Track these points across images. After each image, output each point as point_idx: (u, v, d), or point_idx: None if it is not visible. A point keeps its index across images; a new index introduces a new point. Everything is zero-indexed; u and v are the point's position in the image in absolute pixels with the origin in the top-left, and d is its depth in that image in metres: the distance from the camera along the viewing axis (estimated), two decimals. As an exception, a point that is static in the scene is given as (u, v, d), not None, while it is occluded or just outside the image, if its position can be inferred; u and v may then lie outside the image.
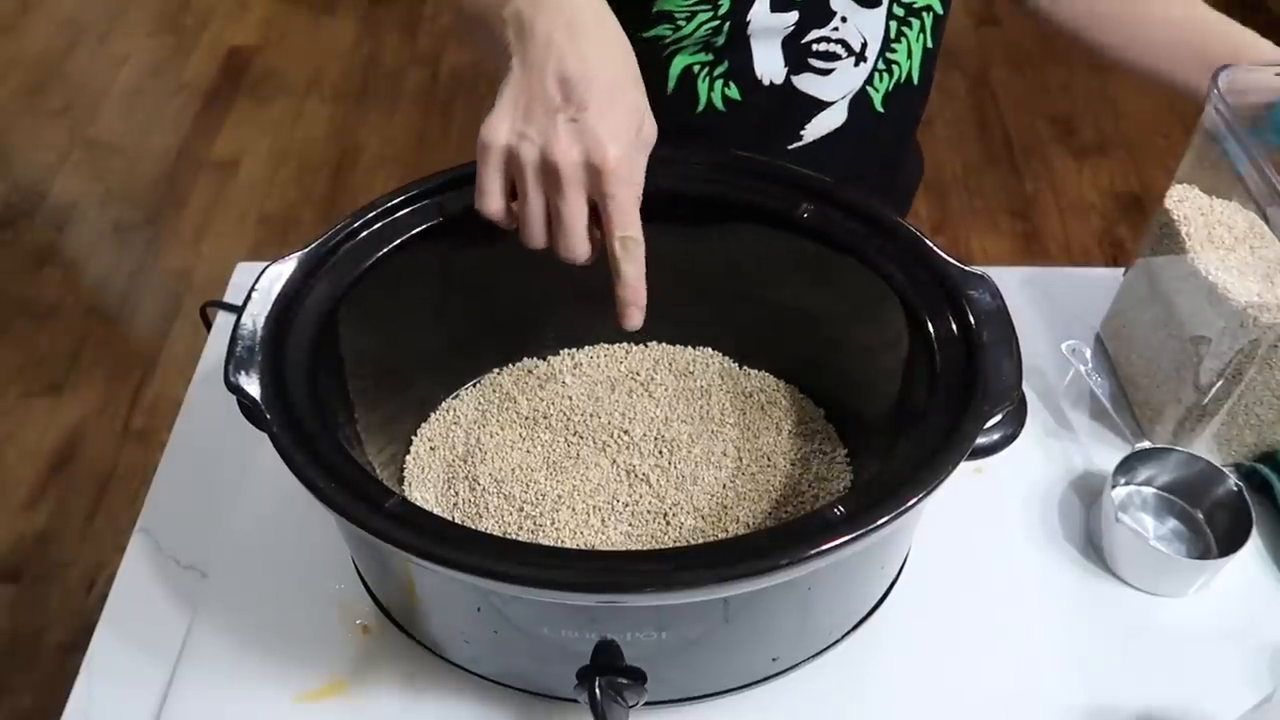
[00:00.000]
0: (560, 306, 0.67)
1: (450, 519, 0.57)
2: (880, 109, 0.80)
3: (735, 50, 0.74)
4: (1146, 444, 0.71)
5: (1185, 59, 0.75)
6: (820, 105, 0.78)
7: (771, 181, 0.61)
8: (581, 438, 0.65)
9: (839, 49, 0.75)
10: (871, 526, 0.44)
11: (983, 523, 0.67)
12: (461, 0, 0.58)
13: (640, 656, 0.51)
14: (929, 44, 0.79)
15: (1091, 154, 2.11)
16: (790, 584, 0.46)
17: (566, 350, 0.70)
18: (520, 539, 0.59)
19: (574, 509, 0.61)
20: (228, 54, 2.38)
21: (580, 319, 0.69)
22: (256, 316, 0.53)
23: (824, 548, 0.44)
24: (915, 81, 0.81)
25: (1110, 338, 0.77)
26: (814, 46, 0.74)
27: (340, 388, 0.56)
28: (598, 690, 0.50)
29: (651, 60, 0.74)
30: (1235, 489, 0.65)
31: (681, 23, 0.71)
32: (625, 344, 0.71)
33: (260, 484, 0.68)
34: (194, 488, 0.70)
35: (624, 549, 0.59)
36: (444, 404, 0.67)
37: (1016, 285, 0.83)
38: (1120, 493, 0.68)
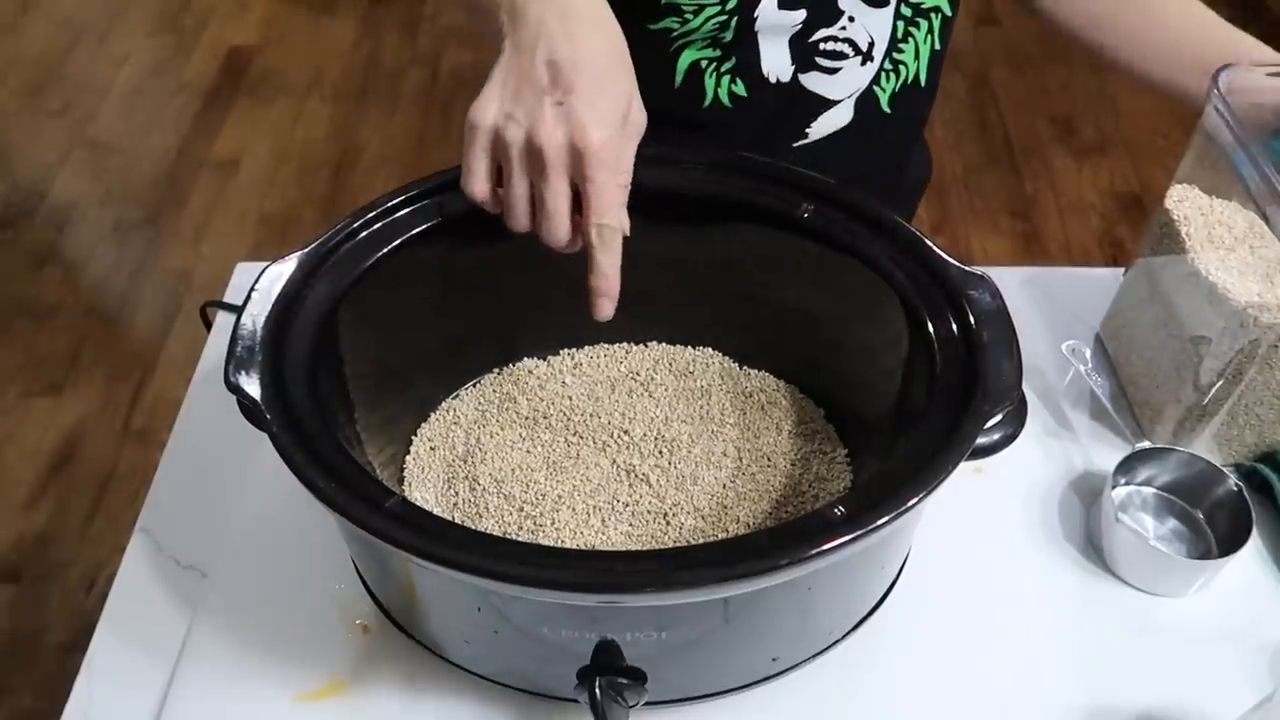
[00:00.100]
0: (560, 306, 0.67)
1: (450, 519, 0.57)
2: (887, 109, 0.80)
3: (743, 47, 0.74)
4: (1146, 444, 0.71)
5: (1184, 63, 0.75)
6: (827, 104, 0.78)
7: (772, 182, 0.61)
8: (581, 438, 0.65)
9: (846, 48, 0.75)
10: (871, 526, 0.44)
11: (983, 523, 0.67)
12: None
13: (640, 656, 0.51)
14: (937, 45, 0.79)
15: (1091, 154, 2.11)
16: (790, 584, 0.46)
17: (566, 350, 0.70)
18: (520, 539, 0.59)
19: (574, 509, 0.61)
20: (228, 54, 2.38)
21: (580, 319, 0.68)
22: (256, 316, 0.53)
23: (824, 548, 0.44)
24: (923, 83, 0.81)
25: (1110, 338, 0.77)
26: (821, 45, 0.74)
27: (340, 388, 0.56)
28: (598, 690, 0.50)
29: (659, 53, 0.75)
30: (1235, 489, 0.65)
31: (689, 16, 0.71)
32: (625, 344, 0.71)
33: (260, 484, 0.68)
34: (194, 488, 0.70)
35: (624, 549, 0.59)
36: (444, 404, 0.67)
37: (1016, 285, 0.83)
38: (1120, 493, 0.68)
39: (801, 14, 0.73)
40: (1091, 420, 0.74)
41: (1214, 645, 0.62)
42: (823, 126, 0.79)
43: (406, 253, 0.59)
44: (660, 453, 0.64)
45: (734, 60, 0.75)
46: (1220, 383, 0.65)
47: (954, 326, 0.53)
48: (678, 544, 0.59)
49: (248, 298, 0.53)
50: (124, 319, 1.81)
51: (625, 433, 0.65)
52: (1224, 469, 0.66)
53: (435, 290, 0.63)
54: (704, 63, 0.75)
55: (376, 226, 0.59)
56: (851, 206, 0.59)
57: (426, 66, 2.35)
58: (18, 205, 2.01)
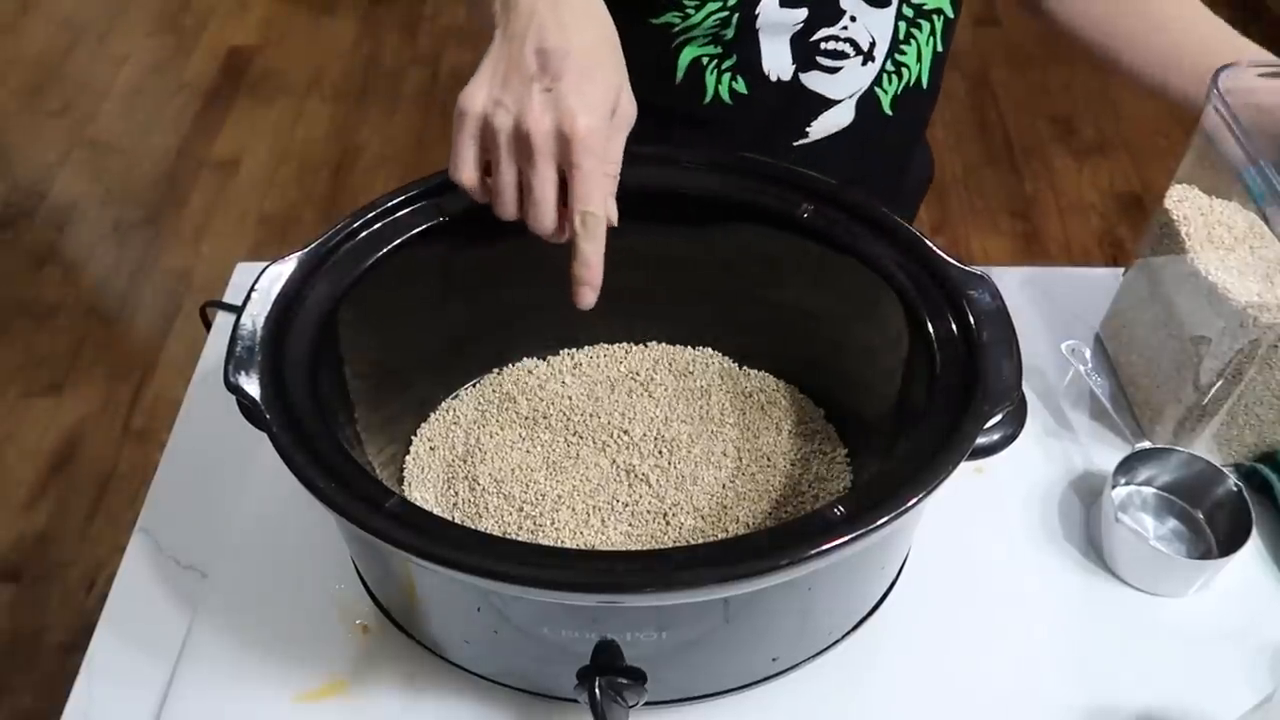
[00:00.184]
0: (560, 306, 0.67)
1: (450, 519, 0.57)
2: (889, 111, 0.80)
3: (744, 44, 0.74)
4: (1146, 444, 0.71)
5: (1183, 68, 0.74)
6: (827, 103, 0.78)
7: (772, 182, 0.61)
8: (581, 438, 0.65)
9: (847, 48, 0.75)
10: (871, 526, 0.44)
11: (983, 523, 0.67)
12: None
13: (640, 656, 0.51)
14: (939, 47, 0.79)
15: (1091, 154, 2.11)
16: (790, 584, 0.46)
17: (566, 350, 0.70)
18: (520, 539, 0.59)
19: (574, 509, 0.61)
20: (228, 54, 2.38)
21: (580, 319, 0.69)
22: (256, 316, 0.53)
23: (824, 548, 0.44)
24: (925, 85, 0.81)
25: (1110, 338, 0.77)
26: (822, 45, 0.75)
27: (340, 388, 0.56)
28: (598, 690, 0.50)
29: (661, 49, 0.75)
30: (1235, 489, 0.65)
31: (690, 11, 0.71)
32: (625, 344, 0.71)
33: (260, 484, 0.68)
34: (194, 488, 0.70)
35: (624, 549, 0.59)
36: (444, 404, 0.67)
37: (1016, 285, 0.83)
38: (1120, 493, 0.68)
39: (803, 13, 0.73)
40: (1091, 420, 0.74)
41: (1214, 645, 0.62)
42: (823, 126, 0.79)
43: (406, 253, 0.59)
44: (660, 453, 0.64)
45: (735, 58, 0.75)
46: (1220, 383, 0.65)
47: (954, 326, 0.53)
48: (678, 544, 0.59)
49: (248, 298, 0.53)
50: (124, 319, 1.81)
51: (625, 433, 0.65)
52: (1224, 469, 0.66)
53: (435, 290, 0.63)
54: (705, 59, 0.75)
55: (376, 226, 0.59)
56: (852, 207, 0.59)
57: (426, 66, 2.35)
58: (18, 205, 2.01)
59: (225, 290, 0.81)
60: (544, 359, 0.70)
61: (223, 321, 0.79)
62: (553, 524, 0.60)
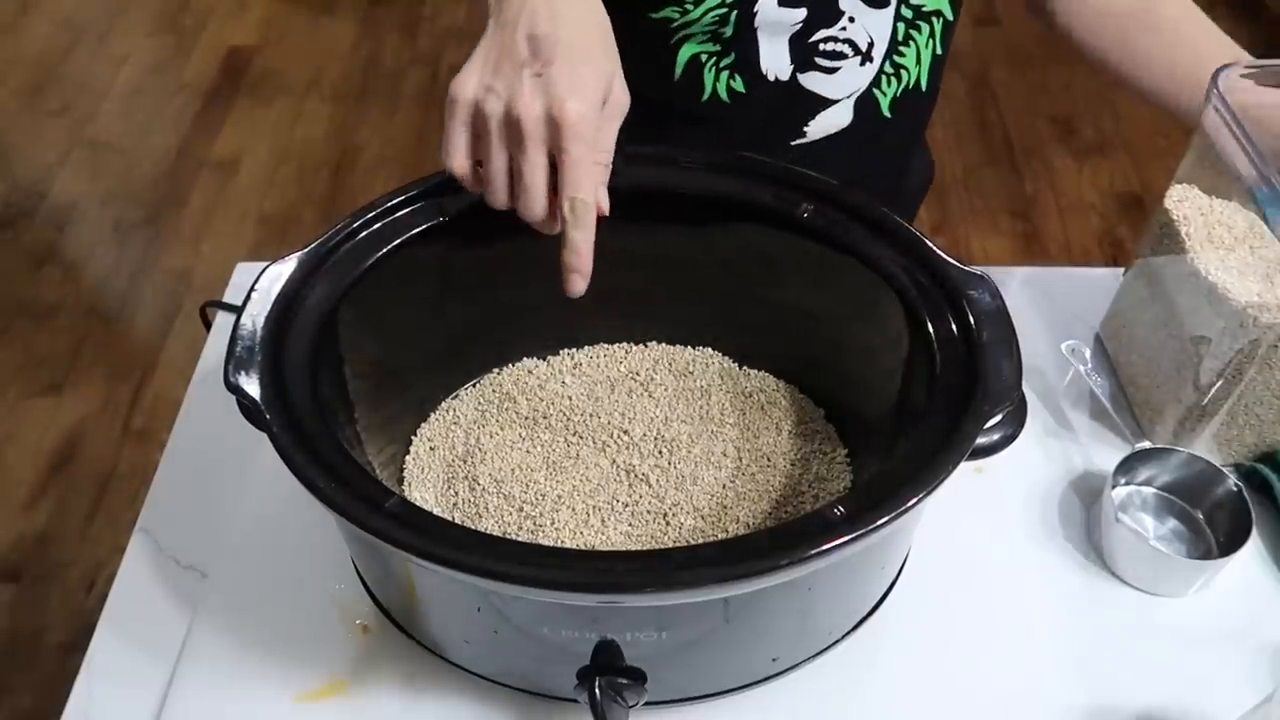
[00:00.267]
0: (560, 306, 0.67)
1: (450, 519, 0.57)
2: (887, 114, 0.80)
3: (742, 42, 0.74)
4: (1146, 444, 0.71)
5: (1187, 82, 0.74)
6: (825, 103, 0.78)
7: (772, 181, 0.61)
8: (581, 438, 0.65)
9: (846, 49, 0.75)
10: (871, 526, 0.44)
11: (983, 523, 0.67)
12: None
13: (640, 656, 0.51)
14: (938, 50, 0.79)
15: (1091, 154, 2.11)
16: (790, 584, 0.46)
17: (566, 350, 0.70)
18: (520, 539, 0.59)
19: (574, 509, 0.61)
20: (228, 54, 2.38)
21: (580, 319, 0.69)
22: (256, 316, 0.53)
23: (824, 548, 0.44)
24: (924, 88, 0.81)
25: (1110, 338, 0.77)
26: (821, 46, 0.75)
27: (340, 388, 0.56)
28: (598, 690, 0.50)
29: (660, 44, 0.75)
30: (1235, 489, 0.65)
31: (689, 7, 0.71)
32: (625, 344, 0.71)
33: (260, 484, 0.68)
34: (194, 488, 0.70)
35: (624, 549, 0.59)
36: (444, 404, 0.67)
37: (1016, 285, 0.83)
38: (1120, 493, 0.68)
39: (802, 13, 0.73)
40: (1091, 420, 0.74)
41: (1214, 645, 0.62)
42: (821, 126, 0.79)
43: (406, 253, 0.59)
44: (660, 453, 0.64)
45: (733, 56, 0.75)
46: (1220, 383, 0.65)
47: (954, 326, 0.53)
48: (678, 544, 0.59)
49: (248, 298, 0.53)
50: (124, 319, 1.81)
51: (625, 433, 0.65)
52: (1224, 469, 0.66)
53: (435, 290, 0.63)
54: (704, 56, 0.75)
55: (376, 226, 0.59)
56: (852, 207, 0.59)
57: (426, 66, 2.35)
58: (18, 205, 2.01)
59: (225, 290, 0.81)
60: (544, 359, 0.70)
61: (223, 321, 0.79)
62: (553, 524, 0.60)
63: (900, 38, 0.76)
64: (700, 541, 0.54)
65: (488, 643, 0.53)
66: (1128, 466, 0.67)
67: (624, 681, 0.51)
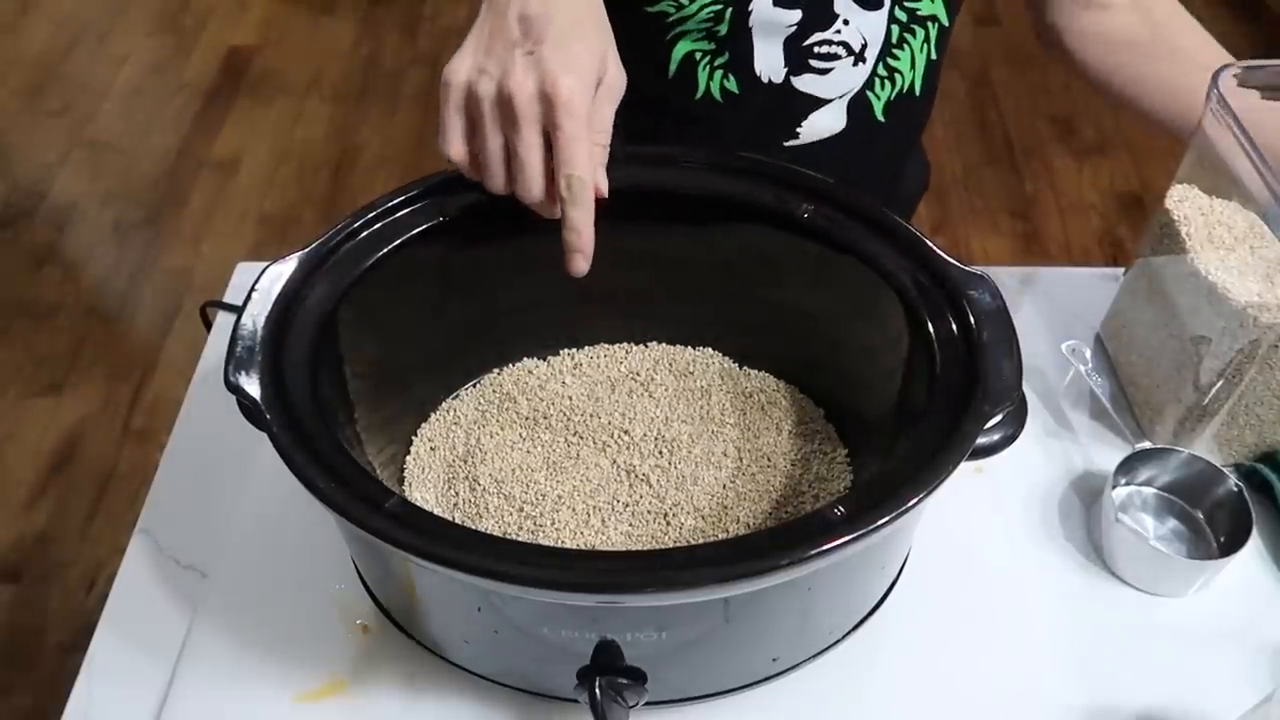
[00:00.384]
0: (560, 306, 0.67)
1: (450, 519, 0.57)
2: (881, 118, 0.80)
3: (737, 42, 0.74)
4: (1146, 444, 0.71)
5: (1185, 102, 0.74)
6: (817, 103, 0.78)
7: (772, 181, 0.61)
8: (581, 438, 0.65)
9: (839, 50, 0.75)
10: (872, 526, 0.44)
11: (983, 523, 0.67)
12: None
13: (640, 656, 0.51)
14: (933, 55, 0.79)
15: (1091, 154, 2.11)
16: (790, 584, 0.46)
17: (566, 350, 0.70)
18: (520, 539, 0.59)
19: (574, 509, 0.61)
20: (228, 54, 2.38)
21: (580, 319, 0.69)
22: (256, 316, 0.53)
23: (824, 548, 0.44)
24: (918, 93, 0.81)
25: (1110, 338, 0.77)
26: (815, 49, 0.75)
27: (340, 388, 0.56)
28: (598, 690, 0.50)
29: (656, 40, 0.75)
30: (1235, 489, 0.65)
31: (685, 1, 0.71)
32: (625, 344, 0.71)
33: (260, 484, 0.68)
34: (194, 488, 0.70)
35: (624, 549, 0.59)
36: (444, 404, 0.67)
37: (1016, 285, 0.83)
38: (1120, 493, 0.68)
39: (796, 14, 0.73)
40: (1091, 420, 0.74)
41: (1214, 645, 0.62)
42: (814, 127, 0.79)
43: (406, 253, 0.59)
44: (660, 453, 0.64)
45: (727, 55, 0.75)
46: (1220, 383, 0.65)
47: (954, 326, 0.53)
48: (678, 544, 0.59)
49: (248, 298, 0.53)
50: (124, 319, 1.81)
51: (625, 433, 0.65)
52: (1224, 469, 0.66)
53: (435, 290, 0.63)
54: (698, 55, 0.75)
55: (376, 226, 0.59)
56: (852, 207, 0.59)
57: (426, 66, 2.35)
58: (18, 205, 2.01)
59: (225, 290, 0.81)
60: (544, 359, 0.70)
61: (223, 321, 0.79)
62: (553, 524, 0.60)
63: (894, 40, 0.76)
64: (700, 541, 0.54)
65: (488, 643, 0.53)
66: (1128, 466, 0.67)
67: (624, 681, 0.51)
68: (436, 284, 0.63)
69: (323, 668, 0.59)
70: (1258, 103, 0.65)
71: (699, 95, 0.77)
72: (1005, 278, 0.83)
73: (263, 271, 0.54)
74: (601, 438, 0.64)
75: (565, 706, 0.56)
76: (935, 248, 0.56)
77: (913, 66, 0.78)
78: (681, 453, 0.64)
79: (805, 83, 0.76)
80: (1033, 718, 0.59)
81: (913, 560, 0.59)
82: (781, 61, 0.75)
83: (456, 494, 0.62)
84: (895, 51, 0.77)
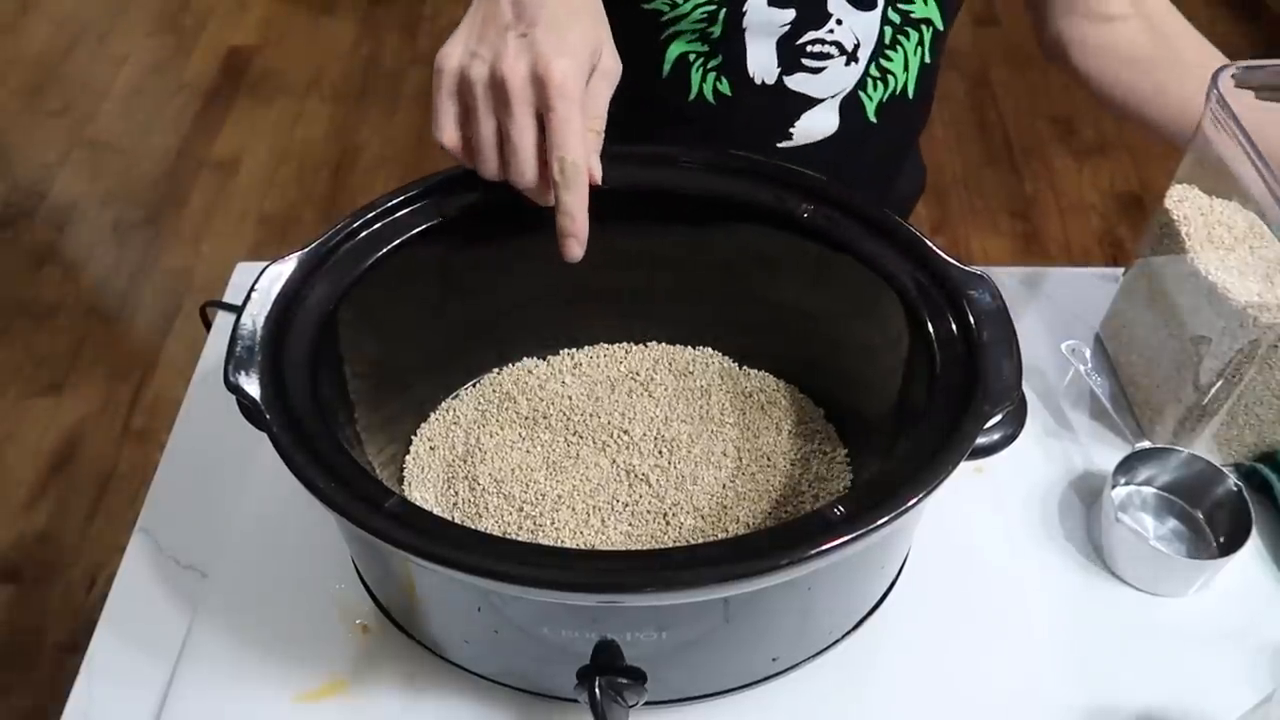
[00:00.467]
0: (560, 306, 0.67)
1: (450, 519, 0.57)
2: (873, 119, 0.80)
3: (730, 44, 0.74)
4: (1146, 444, 0.71)
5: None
6: (810, 102, 0.78)
7: (772, 181, 0.61)
8: (581, 438, 0.65)
9: (832, 49, 0.75)
10: (871, 526, 0.44)
11: (983, 523, 0.67)
12: None
13: (640, 656, 0.51)
14: (927, 59, 0.79)
15: (1091, 154, 2.11)
16: (790, 584, 0.46)
17: (566, 350, 0.70)
18: (520, 539, 0.59)
19: (574, 509, 0.61)
20: (228, 54, 2.38)
21: (580, 319, 0.69)
22: (256, 316, 0.53)
23: (824, 548, 0.44)
24: (911, 95, 0.80)
25: (1110, 338, 0.77)
26: (808, 48, 0.75)
27: (340, 388, 0.56)
28: (598, 690, 0.50)
29: (650, 40, 0.75)
30: (1235, 489, 0.65)
31: (679, 0, 0.71)
32: (625, 344, 0.71)
33: (260, 484, 0.68)
34: (194, 488, 0.70)
35: (624, 549, 0.59)
36: (444, 404, 0.67)
37: (1016, 285, 0.83)
38: (1120, 493, 0.68)
39: (790, 14, 0.73)
40: (1091, 420, 0.74)
41: (1214, 645, 0.62)
42: (807, 128, 0.79)
43: (406, 253, 0.59)
44: (660, 453, 0.64)
45: (720, 58, 0.75)
46: (1220, 383, 0.65)
47: (954, 326, 0.53)
48: (678, 544, 0.59)
49: (248, 298, 0.53)
50: (124, 319, 1.81)
51: (625, 433, 0.65)
52: (1224, 469, 0.66)
53: (435, 290, 0.63)
54: (692, 56, 0.75)
55: (376, 226, 0.59)
56: (851, 206, 0.59)
57: (426, 66, 2.32)
58: (18, 205, 2.01)
59: (225, 290, 0.81)
60: (544, 359, 0.70)
61: (223, 321, 0.79)
62: (553, 524, 0.60)
63: (887, 42, 0.76)
64: (700, 541, 0.54)
65: (488, 643, 0.53)
66: (1128, 466, 0.67)
67: (624, 681, 0.51)
68: (436, 284, 0.63)
69: (323, 668, 0.59)
70: (1257, 103, 0.65)
71: (692, 97, 0.77)
72: (1005, 278, 0.83)
73: (262, 271, 0.54)
74: (601, 437, 0.64)
75: (565, 706, 0.56)
76: (935, 248, 0.56)
77: (906, 69, 0.78)
78: (681, 452, 0.64)
79: (798, 82, 0.76)
80: (1033, 718, 0.59)
81: (913, 560, 0.59)
82: (774, 61, 0.75)
83: (456, 494, 0.62)
84: (888, 52, 0.77)
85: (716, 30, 0.73)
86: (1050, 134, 2.16)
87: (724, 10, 0.72)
